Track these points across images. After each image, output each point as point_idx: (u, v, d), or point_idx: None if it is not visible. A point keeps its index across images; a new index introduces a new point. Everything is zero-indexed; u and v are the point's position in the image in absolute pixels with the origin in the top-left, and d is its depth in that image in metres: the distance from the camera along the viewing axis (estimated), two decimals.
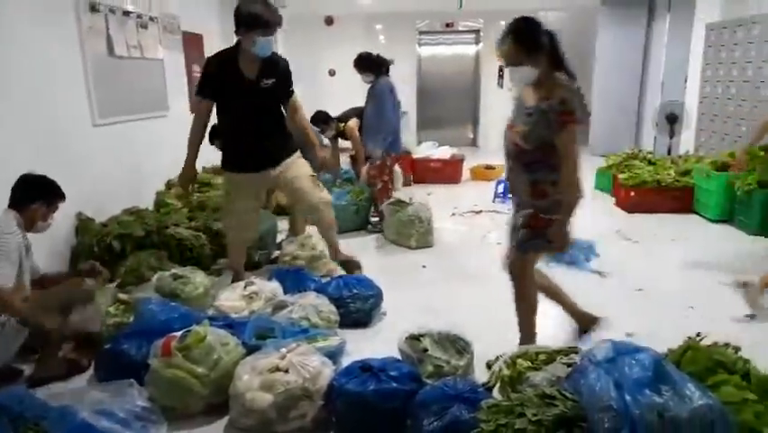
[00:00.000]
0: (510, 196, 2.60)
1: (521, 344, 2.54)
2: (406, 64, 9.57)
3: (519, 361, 2.29)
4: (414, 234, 4.57)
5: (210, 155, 5.18)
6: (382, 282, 3.39)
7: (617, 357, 1.73)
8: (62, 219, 3.49)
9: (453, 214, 5.74)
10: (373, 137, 4.93)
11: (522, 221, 2.40)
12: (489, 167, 7.44)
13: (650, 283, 3.72)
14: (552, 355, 2.28)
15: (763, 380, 1.67)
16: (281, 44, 8.95)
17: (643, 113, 8.91)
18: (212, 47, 6.70)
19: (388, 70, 4.99)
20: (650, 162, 5.96)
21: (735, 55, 5.90)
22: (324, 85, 9.98)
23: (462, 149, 8.55)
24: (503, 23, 10.00)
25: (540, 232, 2.36)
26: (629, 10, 8.72)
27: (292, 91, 3.48)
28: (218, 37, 6.93)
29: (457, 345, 2.51)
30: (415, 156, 7.32)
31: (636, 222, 5.25)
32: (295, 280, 3.33)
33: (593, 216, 5.46)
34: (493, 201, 6.20)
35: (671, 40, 7.90)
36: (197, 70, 6.30)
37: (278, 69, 3.32)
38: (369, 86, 4.99)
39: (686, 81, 7.22)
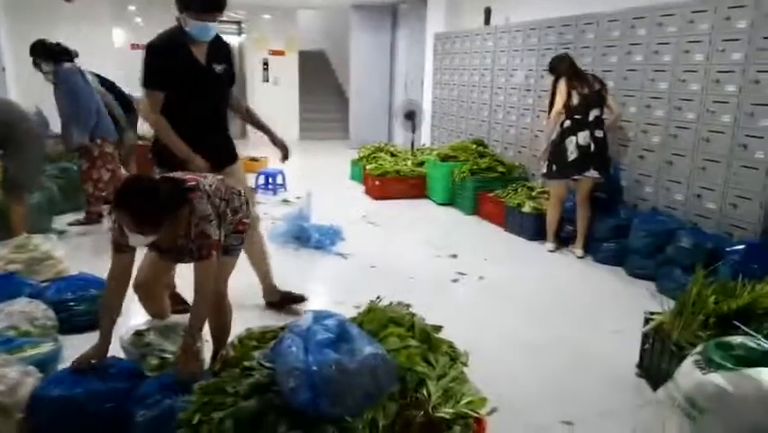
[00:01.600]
0: None
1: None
2: None
3: (246, 341, 2.42)
4: None
5: None
6: None
7: (313, 325, 1.95)
8: None
9: None
10: (76, 126, 4.57)
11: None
12: (252, 159, 7.48)
13: (383, 260, 4.21)
14: (277, 333, 2.45)
15: (422, 329, 2.08)
16: (3, 24, 7.68)
17: (393, 109, 9.90)
18: None
19: (72, 58, 4.73)
20: (392, 154, 6.68)
21: (455, 62, 6.94)
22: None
23: None
24: (267, 16, 10.19)
25: None
26: (376, 15, 9.58)
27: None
28: None
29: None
30: None
31: (380, 208, 5.85)
32: (4, 287, 2.95)
33: (344, 203, 5.93)
34: (255, 192, 6.27)
35: (411, 45, 8.90)
36: None
37: (227, 54, 3.01)
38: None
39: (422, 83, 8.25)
